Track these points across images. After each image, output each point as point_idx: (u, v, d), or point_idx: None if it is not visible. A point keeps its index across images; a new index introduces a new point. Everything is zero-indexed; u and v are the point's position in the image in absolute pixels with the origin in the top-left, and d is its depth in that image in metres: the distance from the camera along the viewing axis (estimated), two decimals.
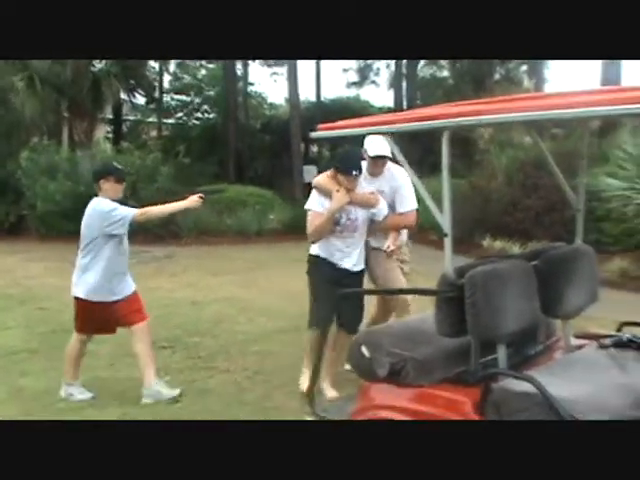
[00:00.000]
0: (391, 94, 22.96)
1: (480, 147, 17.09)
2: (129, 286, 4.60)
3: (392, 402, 2.55)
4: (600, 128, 12.49)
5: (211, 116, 23.58)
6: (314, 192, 4.36)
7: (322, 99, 21.79)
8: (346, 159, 4.28)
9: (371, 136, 4.22)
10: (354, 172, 4.09)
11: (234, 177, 18.53)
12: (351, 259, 4.35)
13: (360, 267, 4.42)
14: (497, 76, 23.02)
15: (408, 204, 4.46)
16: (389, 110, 21.10)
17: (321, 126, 2.89)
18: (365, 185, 4.35)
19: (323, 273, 4.34)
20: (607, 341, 2.62)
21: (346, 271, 4.33)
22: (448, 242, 2.41)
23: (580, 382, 2.24)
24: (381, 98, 36.50)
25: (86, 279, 4.44)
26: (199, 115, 23.83)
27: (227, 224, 14.15)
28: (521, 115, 2.17)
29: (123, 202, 4.55)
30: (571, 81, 31.16)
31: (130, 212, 4.41)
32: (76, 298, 4.51)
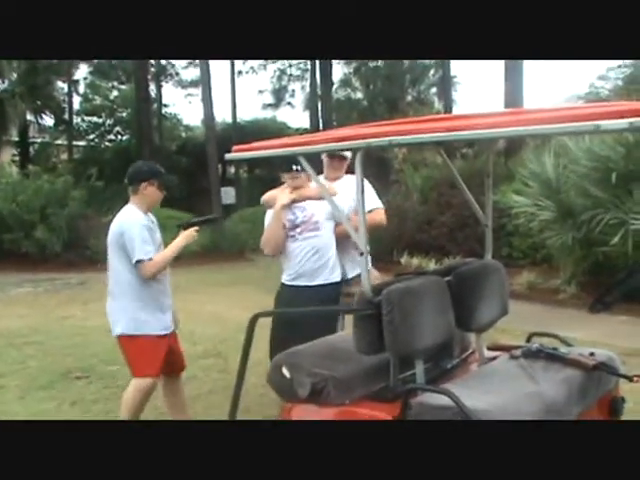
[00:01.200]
0: (307, 115, 23.29)
1: (395, 167, 17.56)
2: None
3: None
4: (506, 148, 13.13)
5: (124, 138, 23.08)
6: (267, 211, 3.90)
7: (238, 120, 21.78)
8: (287, 158, 3.55)
9: None
10: (294, 167, 3.60)
11: None
12: (325, 268, 3.73)
13: (336, 278, 3.78)
14: (409, 98, 23.80)
15: (372, 203, 3.97)
16: (305, 131, 21.34)
17: (235, 147, 2.89)
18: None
19: (284, 301, 3.77)
20: (518, 352, 2.72)
21: (319, 288, 3.70)
22: (364, 261, 2.45)
23: (494, 393, 2.32)
24: (297, 120, 36.91)
25: (127, 311, 3.72)
26: (112, 137, 23.28)
27: None
28: (429, 136, 2.25)
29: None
30: (477, 102, 32.74)
31: (145, 257, 3.63)
32: (130, 336, 3.74)
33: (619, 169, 7.57)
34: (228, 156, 2.87)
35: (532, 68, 17.73)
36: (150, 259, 3.65)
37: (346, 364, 2.57)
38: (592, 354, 2.57)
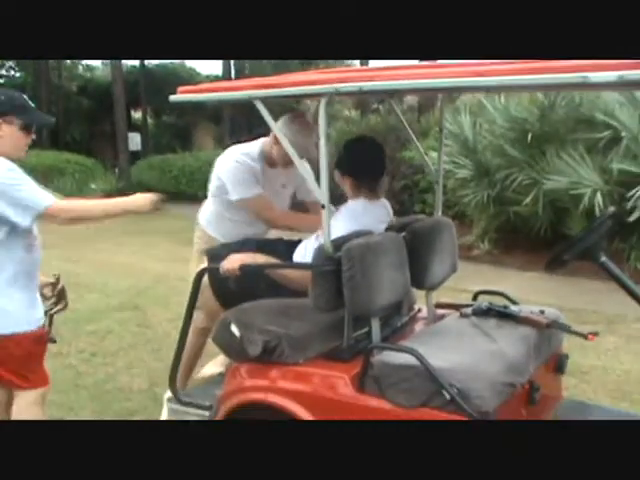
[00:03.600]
0: (218, 62, 22.44)
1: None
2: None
3: (265, 383, 2.44)
4: (419, 104, 13.23)
5: (18, 75, 21.45)
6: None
7: (146, 64, 20.71)
8: None
9: None
10: None
11: (48, 143, 17.10)
12: None
13: None
14: None
15: None
16: (216, 78, 20.61)
17: (181, 89, 2.64)
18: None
19: None
20: (468, 310, 2.71)
21: None
22: (326, 214, 2.32)
23: (452, 351, 2.29)
24: (208, 66, 35.58)
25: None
26: (3, 73, 21.56)
27: None
28: (407, 83, 2.13)
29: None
30: None
31: (45, 199, 2.45)
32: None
33: (534, 130, 7.77)
34: (173, 98, 2.61)
35: None
36: (50, 204, 2.45)
37: (300, 321, 2.47)
38: (542, 312, 2.60)
